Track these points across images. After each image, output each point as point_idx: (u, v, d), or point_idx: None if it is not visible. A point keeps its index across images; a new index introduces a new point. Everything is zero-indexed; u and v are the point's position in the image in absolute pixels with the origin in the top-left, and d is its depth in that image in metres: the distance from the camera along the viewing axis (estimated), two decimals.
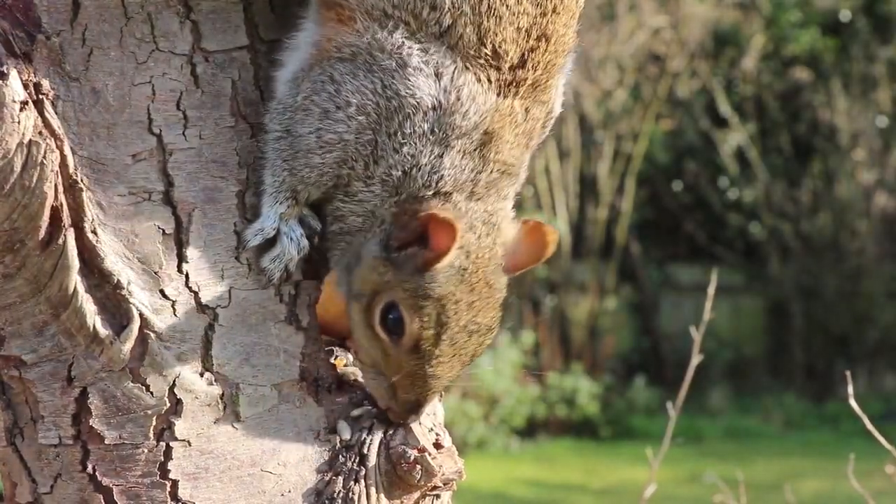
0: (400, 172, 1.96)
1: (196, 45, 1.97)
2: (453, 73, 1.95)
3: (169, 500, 1.96)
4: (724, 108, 16.41)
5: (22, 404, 1.99)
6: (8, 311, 1.93)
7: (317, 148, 1.96)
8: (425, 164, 1.96)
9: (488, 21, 1.95)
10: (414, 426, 2.03)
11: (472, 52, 1.96)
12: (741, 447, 13.38)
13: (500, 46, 1.97)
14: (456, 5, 1.94)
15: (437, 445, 2.06)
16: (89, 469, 1.96)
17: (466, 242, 1.98)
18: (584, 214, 16.06)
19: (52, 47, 1.92)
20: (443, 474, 2.03)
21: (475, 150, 1.98)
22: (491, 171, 2.00)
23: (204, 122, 1.98)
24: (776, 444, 13.56)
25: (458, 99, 1.95)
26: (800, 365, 16.31)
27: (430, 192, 1.97)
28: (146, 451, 1.96)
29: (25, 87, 1.87)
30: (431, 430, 2.07)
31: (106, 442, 1.95)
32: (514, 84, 2.00)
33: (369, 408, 2.07)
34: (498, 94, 1.98)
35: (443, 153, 1.96)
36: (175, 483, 1.96)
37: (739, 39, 16.79)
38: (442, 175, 1.97)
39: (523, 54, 1.99)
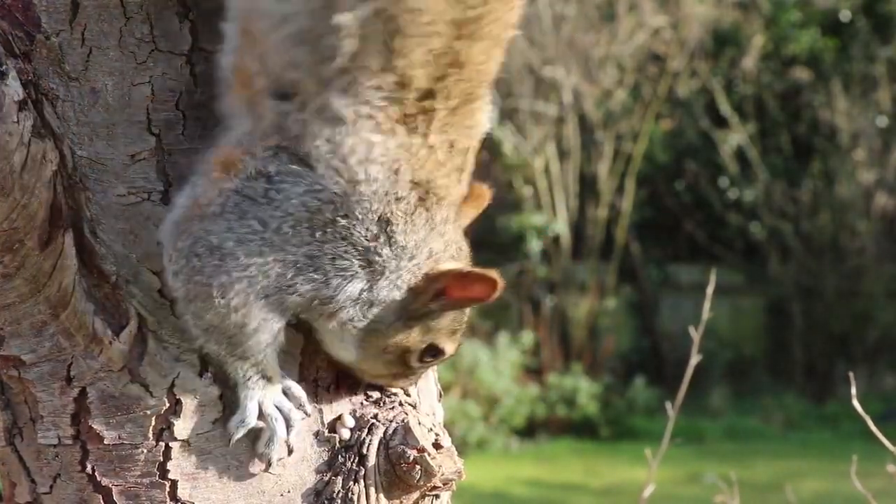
0: (364, 284, 1.87)
1: (195, 45, 1.96)
2: (339, 137, 1.79)
3: (168, 500, 1.96)
4: (724, 108, 16.41)
5: (21, 404, 1.98)
6: (7, 311, 1.93)
7: (244, 329, 1.88)
8: (389, 254, 1.86)
9: (393, 41, 1.76)
10: (414, 426, 2.03)
11: (371, 85, 1.78)
12: (741, 447, 13.39)
13: (404, 73, 1.77)
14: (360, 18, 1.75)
15: (437, 445, 2.06)
16: (88, 469, 1.96)
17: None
18: (584, 214, 16.06)
19: (52, 47, 1.92)
20: (442, 474, 2.03)
21: (416, 207, 1.86)
22: (442, 214, 1.89)
23: (204, 123, 1.97)
24: (776, 444, 13.57)
25: (352, 167, 1.80)
26: (800, 365, 16.31)
27: (421, 260, 1.89)
28: (145, 451, 1.95)
29: (25, 86, 1.87)
30: (431, 430, 2.07)
31: (105, 442, 1.95)
32: (424, 115, 1.81)
33: (370, 408, 2.07)
34: (407, 134, 1.82)
35: (392, 232, 1.85)
36: (174, 483, 1.96)
37: (739, 39, 16.78)
38: (413, 255, 1.88)
39: (431, 82, 1.79)
